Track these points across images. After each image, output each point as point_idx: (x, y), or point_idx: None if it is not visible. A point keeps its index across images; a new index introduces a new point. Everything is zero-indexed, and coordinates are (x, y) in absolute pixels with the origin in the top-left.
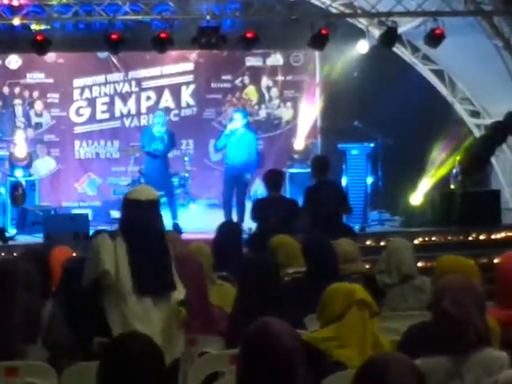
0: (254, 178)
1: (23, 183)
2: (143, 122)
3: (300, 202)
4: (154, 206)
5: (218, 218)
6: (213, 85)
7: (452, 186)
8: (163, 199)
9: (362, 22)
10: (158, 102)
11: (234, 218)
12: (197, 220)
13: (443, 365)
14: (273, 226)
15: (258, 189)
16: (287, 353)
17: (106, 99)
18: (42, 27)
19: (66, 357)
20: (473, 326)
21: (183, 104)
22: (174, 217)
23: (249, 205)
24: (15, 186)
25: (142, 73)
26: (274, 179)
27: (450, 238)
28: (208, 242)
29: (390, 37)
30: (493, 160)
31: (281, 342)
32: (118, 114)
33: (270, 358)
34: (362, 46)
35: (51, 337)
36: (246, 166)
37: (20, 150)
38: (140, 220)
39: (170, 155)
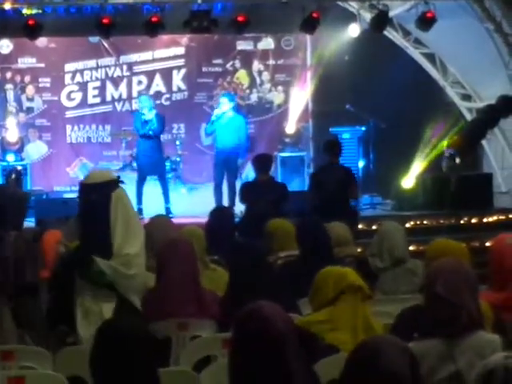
0: (245, 161)
1: (18, 169)
2: (134, 106)
3: (292, 185)
4: (93, 190)
5: (209, 202)
6: (204, 69)
7: (444, 170)
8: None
9: (353, 6)
10: (149, 86)
11: (225, 201)
12: (188, 204)
13: (436, 348)
14: (261, 208)
15: (250, 173)
16: (279, 336)
17: (98, 83)
18: (34, 11)
19: None
20: (465, 310)
21: (174, 88)
22: (167, 201)
23: None
24: (10, 172)
25: (134, 57)
26: (262, 162)
27: (441, 221)
28: (199, 225)
29: (381, 20)
30: (484, 143)
31: (273, 325)
32: (109, 98)
33: (262, 341)
34: (354, 30)
35: None
36: (236, 149)
37: (11, 134)
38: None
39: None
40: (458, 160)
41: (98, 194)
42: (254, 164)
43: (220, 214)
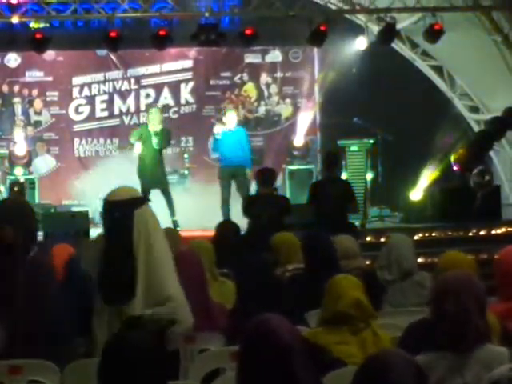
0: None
1: (23, 181)
2: (142, 119)
3: (301, 198)
4: (115, 208)
5: (217, 215)
6: (212, 82)
7: (472, 185)
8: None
9: (360, 18)
10: (157, 99)
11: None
12: (196, 217)
13: (443, 361)
14: (264, 222)
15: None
16: (286, 349)
17: (105, 97)
18: (41, 25)
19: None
20: (473, 326)
21: (182, 101)
22: (172, 214)
23: None
24: (13, 184)
25: (141, 70)
26: (264, 176)
27: (450, 233)
28: (207, 238)
29: (389, 33)
30: (492, 155)
31: (280, 338)
32: (117, 111)
33: (270, 354)
34: (361, 43)
35: None
36: (241, 161)
37: (20, 148)
38: (104, 222)
39: (168, 152)
40: (487, 177)
41: (121, 212)
42: (257, 177)
43: (225, 228)
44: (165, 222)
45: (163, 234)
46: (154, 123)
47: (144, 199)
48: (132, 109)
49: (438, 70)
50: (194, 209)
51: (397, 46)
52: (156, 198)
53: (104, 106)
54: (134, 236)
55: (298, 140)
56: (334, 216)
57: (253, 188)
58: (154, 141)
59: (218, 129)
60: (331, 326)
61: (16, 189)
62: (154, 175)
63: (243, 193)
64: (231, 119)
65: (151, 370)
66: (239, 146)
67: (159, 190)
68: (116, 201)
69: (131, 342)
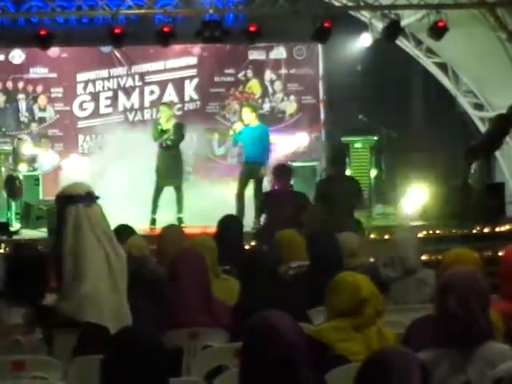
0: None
1: (20, 177)
2: (147, 116)
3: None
4: (58, 202)
5: (221, 212)
6: (216, 79)
7: (470, 183)
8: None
9: (364, 15)
10: (161, 96)
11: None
12: (199, 214)
13: (447, 358)
14: (282, 218)
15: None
16: (289, 346)
17: (110, 93)
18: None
19: None
20: (476, 324)
21: (186, 98)
22: (180, 211)
23: None
24: (11, 180)
25: (146, 67)
26: (282, 171)
27: (454, 231)
28: (210, 235)
29: (393, 30)
30: (497, 153)
31: (283, 334)
32: (121, 108)
33: (272, 351)
34: (365, 39)
35: None
36: (259, 161)
37: (24, 144)
38: None
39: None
40: (483, 174)
41: (59, 208)
42: (274, 174)
43: (228, 224)
44: (170, 218)
45: (93, 232)
46: (165, 120)
47: (80, 197)
48: (136, 105)
49: (443, 66)
50: (198, 205)
51: (401, 42)
52: (166, 194)
53: (108, 102)
54: (63, 231)
55: (302, 137)
56: (341, 213)
57: (264, 184)
58: (169, 137)
59: (236, 125)
60: (347, 317)
61: (16, 185)
62: (169, 172)
63: (257, 194)
64: (245, 115)
65: (154, 367)
66: (259, 143)
67: (173, 186)
68: (58, 196)
69: (134, 338)
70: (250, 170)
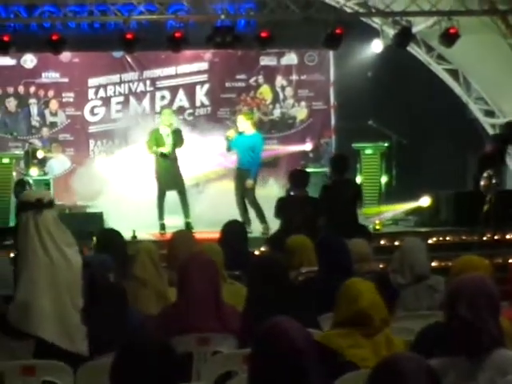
0: (267, 177)
1: (30, 181)
2: (157, 121)
3: None
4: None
5: (229, 216)
6: (227, 84)
7: (481, 189)
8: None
9: (376, 22)
10: (172, 101)
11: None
12: (208, 218)
13: (457, 365)
14: (297, 224)
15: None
16: (298, 352)
17: (121, 98)
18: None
19: None
20: (486, 331)
21: (198, 103)
22: (187, 215)
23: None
24: (22, 184)
25: (157, 72)
26: (299, 177)
27: (464, 237)
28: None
29: (405, 36)
30: (507, 159)
31: (292, 341)
32: (132, 113)
33: (281, 357)
34: (377, 46)
35: None
36: (249, 169)
37: (35, 149)
38: None
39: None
40: (494, 180)
41: (15, 215)
42: (290, 179)
43: (232, 229)
44: (178, 223)
45: (40, 239)
46: (166, 125)
47: (29, 204)
48: (147, 110)
49: (454, 73)
50: (207, 210)
51: (412, 49)
52: (171, 199)
53: (119, 107)
54: (16, 238)
55: (313, 143)
56: (344, 218)
57: (274, 190)
58: (167, 142)
59: (230, 132)
60: (346, 327)
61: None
62: (169, 177)
63: (250, 201)
64: (239, 123)
65: (164, 372)
66: (250, 152)
67: (175, 191)
68: (19, 201)
69: (144, 343)
70: (242, 177)
